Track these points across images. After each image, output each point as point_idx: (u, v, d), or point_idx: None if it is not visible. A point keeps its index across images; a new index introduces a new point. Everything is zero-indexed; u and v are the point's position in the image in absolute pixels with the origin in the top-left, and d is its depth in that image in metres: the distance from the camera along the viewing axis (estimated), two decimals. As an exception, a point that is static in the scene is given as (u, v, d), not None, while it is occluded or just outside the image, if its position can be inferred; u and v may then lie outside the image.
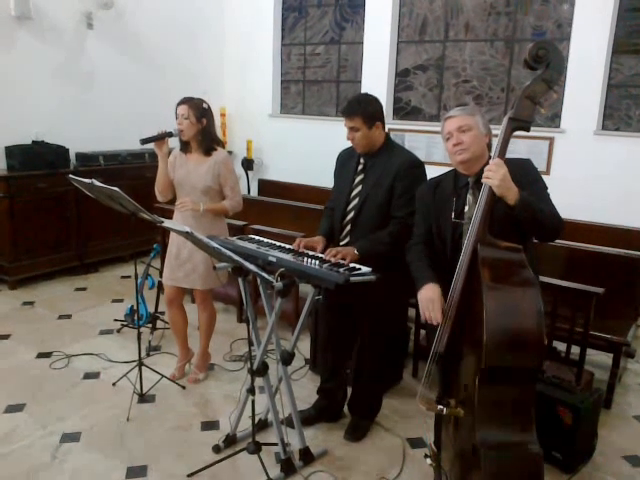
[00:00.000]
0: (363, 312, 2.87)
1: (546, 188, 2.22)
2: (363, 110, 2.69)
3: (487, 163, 2.11)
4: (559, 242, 3.65)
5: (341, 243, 2.85)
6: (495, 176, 1.99)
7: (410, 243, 2.50)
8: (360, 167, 2.85)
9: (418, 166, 2.77)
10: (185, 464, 2.72)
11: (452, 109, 2.31)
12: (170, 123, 3.26)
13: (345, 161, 2.96)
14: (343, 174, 2.94)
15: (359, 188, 2.82)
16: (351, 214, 2.82)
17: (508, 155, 2.12)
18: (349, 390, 3.15)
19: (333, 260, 2.53)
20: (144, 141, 3.17)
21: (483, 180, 2.04)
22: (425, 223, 2.44)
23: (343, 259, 2.56)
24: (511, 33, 5.79)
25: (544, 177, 2.27)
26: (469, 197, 2.28)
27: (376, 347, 2.92)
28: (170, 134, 3.22)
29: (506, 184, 2.00)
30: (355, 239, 2.76)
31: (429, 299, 2.18)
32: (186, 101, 3.19)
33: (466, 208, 2.28)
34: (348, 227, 2.84)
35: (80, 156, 5.57)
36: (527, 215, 2.04)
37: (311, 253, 2.67)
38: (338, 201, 2.90)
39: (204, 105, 3.22)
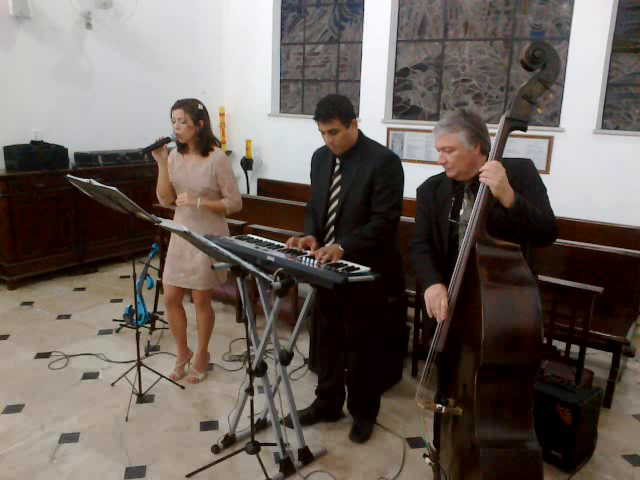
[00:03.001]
0: (351, 312, 2.86)
1: (545, 190, 2.21)
2: (339, 110, 2.65)
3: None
4: (559, 241, 3.62)
5: (326, 245, 2.81)
6: (495, 177, 1.99)
7: (413, 242, 2.49)
8: (337, 168, 2.82)
9: (394, 160, 2.75)
10: (184, 464, 2.72)
11: (439, 121, 2.28)
12: (169, 123, 3.25)
13: (321, 161, 2.93)
14: (320, 176, 2.90)
15: (338, 189, 2.79)
16: (333, 216, 2.80)
17: (508, 154, 2.12)
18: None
19: (322, 260, 2.52)
20: (144, 151, 3.16)
21: (480, 179, 2.04)
22: (426, 221, 2.44)
23: (330, 258, 2.54)
24: (510, 32, 5.78)
25: (543, 176, 2.27)
26: (465, 200, 2.28)
27: (362, 347, 2.90)
28: (168, 140, 3.20)
29: (504, 186, 2.00)
30: (339, 240, 2.73)
31: (435, 297, 2.18)
32: (181, 104, 3.17)
33: (461, 211, 2.28)
34: (332, 229, 2.82)
35: (79, 156, 5.57)
36: (522, 220, 2.04)
37: (309, 252, 2.66)
38: (318, 204, 2.87)
39: (199, 106, 3.21)
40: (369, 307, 2.82)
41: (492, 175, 2.00)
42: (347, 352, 2.99)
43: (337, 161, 2.82)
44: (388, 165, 2.71)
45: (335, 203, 2.80)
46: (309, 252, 2.67)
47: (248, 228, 4.14)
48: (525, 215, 2.04)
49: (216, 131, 3.56)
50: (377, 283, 2.53)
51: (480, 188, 2.07)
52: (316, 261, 2.52)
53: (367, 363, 2.94)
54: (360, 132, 2.80)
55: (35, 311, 4.58)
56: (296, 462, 2.71)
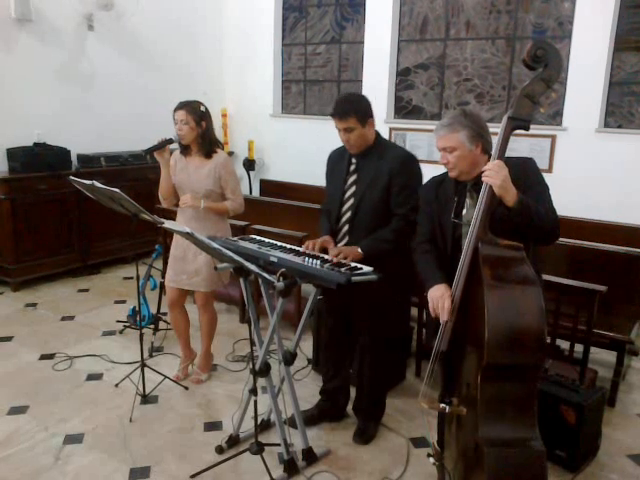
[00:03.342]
0: (363, 313, 2.85)
1: (547, 188, 2.20)
2: (356, 109, 2.65)
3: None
4: (561, 240, 3.62)
5: (339, 245, 2.81)
6: (497, 177, 1.99)
7: (416, 242, 2.49)
8: (352, 167, 2.81)
9: (412, 161, 2.74)
10: (188, 465, 2.72)
11: (440, 121, 2.28)
12: (171, 124, 3.25)
13: (336, 162, 2.93)
14: (335, 175, 2.90)
15: (353, 188, 2.79)
16: (347, 215, 2.79)
17: (510, 153, 2.12)
18: (352, 390, 3.14)
19: (335, 260, 2.52)
20: (146, 152, 3.17)
21: (483, 179, 2.04)
22: (429, 221, 2.43)
23: (345, 258, 2.55)
24: (512, 31, 5.77)
25: (546, 175, 2.26)
26: (467, 200, 2.28)
27: (377, 349, 2.89)
28: (170, 141, 3.20)
29: (506, 186, 1.99)
30: (354, 240, 2.74)
31: (439, 297, 2.18)
32: (184, 106, 3.16)
33: (464, 211, 2.28)
34: (345, 228, 2.81)
35: (81, 158, 5.58)
36: (524, 219, 2.04)
37: (312, 253, 2.66)
38: (332, 203, 2.87)
39: (202, 108, 3.20)
40: (388, 308, 2.83)
41: (494, 174, 1.99)
42: (361, 353, 2.97)
43: (353, 160, 2.82)
44: (407, 166, 2.71)
45: (350, 202, 2.79)
46: (312, 252, 2.66)
47: (251, 229, 4.14)
48: (528, 214, 2.03)
49: (218, 132, 3.57)
50: (396, 284, 2.54)
51: (483, 188, 2.06)
52: (329, 257, 2.53)
53: (380, 365, 2.93)
54: (377, 132, 2.80)
55: (39, 312, 4.58)
56: (300, 462, 2.71)
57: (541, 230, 2.10)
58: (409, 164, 2.72)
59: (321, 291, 2.58)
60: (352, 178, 2.80)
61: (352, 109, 2.64)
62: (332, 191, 2.90)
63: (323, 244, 2.74)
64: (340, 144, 2.91)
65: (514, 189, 2.01)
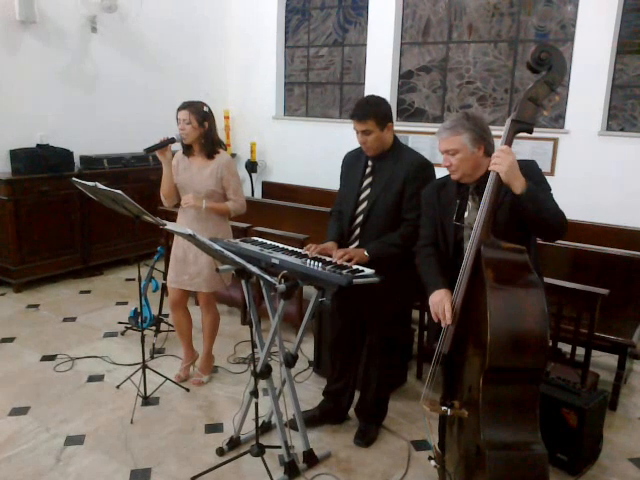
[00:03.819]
0: (374, 315, 2.84)
1: (550, 189, 2.21)
2: (375, 112, 2.65)
3: (488, 170, 2.10)
4: (564, 243, 3.64)
5: (350, 247, 2.80)
6: (503, 162, 1.98)
7: (418, 244, 2.49)
8: (368, 170, 2.81)
9: (428, 167, 2.74)
10: (189, 467, 2.72)
11: (442, 124, 2.28)
12: (174, 126, 3.26)
13: (352, 164, 2.92)
14: (350, 177, 2.89)
15: (368, 191, 2.79)
16: (360, 217, 2.79)
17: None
18: (356, 393, 3.14)
19: (339, 262, 2.52)
20: (148, 150, 3.17)
21: (490, 168, 2.03)
22: (431, 224, 2.44)
23: (350, 260, 2.55)
24: (515, 34, 5.77)
25: (548, 178, 2.26)
26: (469, 203, 2.28)
27: (386, 351, 2.89)
28: (172, 140, 3.21)
29: (514, 171, 1.99)
30: (364, 242, 2.73)
31: (439, 302, 2.18)
32: (187, 106, 3.18)
33: (466, 213, 2.28)
34: (357, 231, 2.81)
35: (84, 159, 5.59)
36: (533, 207, 2.02)
37: (314, 255, 2.66)
38: (346, 204, 2.86)
39: (205, 108, 3.22)
40: (399, 310, 2.84)
41: (501, 161, 1.99)
42: (368, 355, 2.96)
43: (369, 163, 2.81)
44: (422, 172, 2.71)
45: (364, 205, 2.78)
46: (328, 258, 2.65)
47: (252, 231, 4.15)
48: (537, 203, 2.02)
49: (221, 134, 3.58)
50: (406, 285, 2.51)
51: (486, 189, 2.06)
52: (331, 259, 2.54)
53: (387, 367, 2.93)
54: (395, 137, 2.80)
55: (41, 314, 4.59)
56: (301, 464, 2.71)
57: (547, 223, 2.08)
58: (424, 170, 2.72)
59: (322, 294, 2.58)
60: (367, 180, 2.80)
61: (371, 112, 2.64)
62: (346, 193, 2.89)
63: (325, 250, 2.73)
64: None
65: (522, 176, 2.00)
